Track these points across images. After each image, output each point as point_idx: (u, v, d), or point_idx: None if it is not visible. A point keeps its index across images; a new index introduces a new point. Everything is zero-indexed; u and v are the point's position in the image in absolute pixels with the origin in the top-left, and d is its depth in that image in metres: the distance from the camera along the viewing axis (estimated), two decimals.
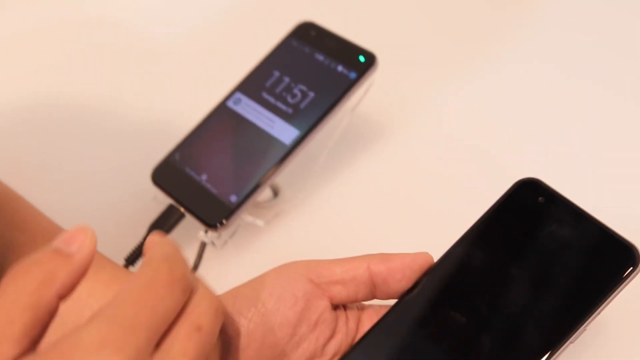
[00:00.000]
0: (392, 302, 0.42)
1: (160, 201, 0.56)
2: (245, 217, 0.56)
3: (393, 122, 0.64)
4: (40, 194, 0.57)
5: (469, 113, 0.65)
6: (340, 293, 0.41)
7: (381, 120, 0.64)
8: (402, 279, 0.41)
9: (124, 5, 0.78)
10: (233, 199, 0.54)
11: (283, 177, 0.57)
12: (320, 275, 0.41)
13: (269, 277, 0.41)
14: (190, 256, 0.55)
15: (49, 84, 0.71)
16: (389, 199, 0.59)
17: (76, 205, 0.60)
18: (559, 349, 0.37)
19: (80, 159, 0.64)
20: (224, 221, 0.53)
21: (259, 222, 0.57)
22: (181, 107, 0.67)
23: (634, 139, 0.61)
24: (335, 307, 0.42)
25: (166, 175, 0.56)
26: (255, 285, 0.41)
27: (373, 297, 0.42)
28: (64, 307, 0.39)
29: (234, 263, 0.57)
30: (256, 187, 0.54)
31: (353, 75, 0.56)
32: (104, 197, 0.61)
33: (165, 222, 0.55)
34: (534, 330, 0.38)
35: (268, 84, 0.58)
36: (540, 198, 0.41)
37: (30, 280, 0.30)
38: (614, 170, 0.59)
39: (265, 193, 0.58)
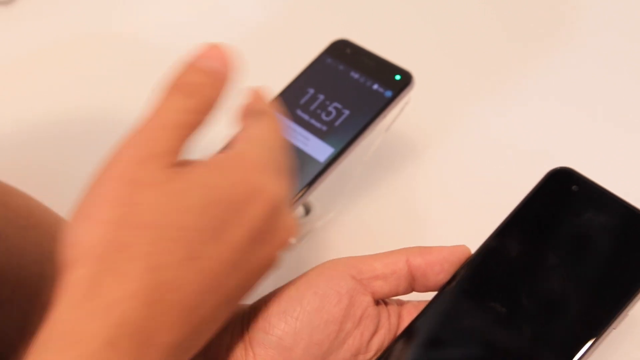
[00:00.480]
0: (431, 295, 0.41)
1: None
2: None
3: (427, 140, 0.63)
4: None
5: (505, 131, 0.64)
6: (382, 288, 0.41)
7: (415, 139, 0.64)
8: (441, 272, 0.41)
9: (149, 20, 0.78)
10: None
11: (315, 194, 0.56)
12: (361, 272, 0.41)
13: (311, 276, 0.41)
14: None
15: (68, 102, 0.70)
16: (422, 219, 0.59)
17: None
18: (601, 336, 0.37)
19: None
20: None
21: (291, 240, 0.56)
22: (215, 125, 0.66)
23: None
24: (377, 302, 0.42)
25: None
26: (299, 285, 0.41)
27: (412, 290, 0.42)
28: None
29: (266, 280, 0.55)
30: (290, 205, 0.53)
31: (389, 93, 0.56)
32: None
33: None
34: (575, 319, 0.38)
35: (302, 101, 0.58)
36: (574, 187, 0.41)
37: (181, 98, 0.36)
38: None
39: (298, 211, 0.58)
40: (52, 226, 0.51)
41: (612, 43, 0.69)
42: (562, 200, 0.41)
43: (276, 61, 0.72)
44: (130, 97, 0.68)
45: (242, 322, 0.43)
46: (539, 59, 0.69)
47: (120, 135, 0.64)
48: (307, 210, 0.60)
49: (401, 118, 0.57)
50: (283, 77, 0.60)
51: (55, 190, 0.60)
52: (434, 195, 0.60)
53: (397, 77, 0.56)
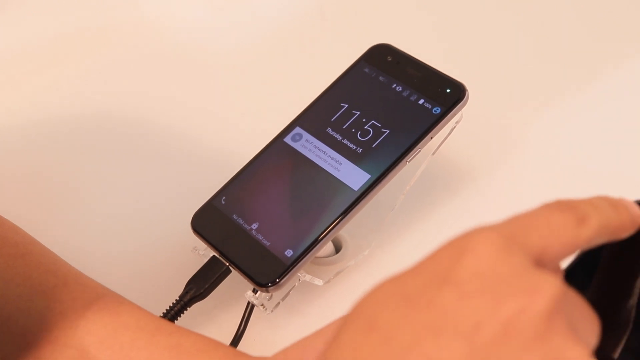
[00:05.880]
0: None
1: (202, 253, 0.49)
2: (302, 275, 0.48)
3: (481, 165, 0.57)
4: (63, 239, 0.52)
5: (571, 149, 0.59)
6: None
7: (467, 164, 0.57)
8: None
9: (164, 14, 0.73)
10: (289, 254, 0.46)
11: (348, 228, 0.50)
12: None
13: (338, 325, 0.36)
14: (236, 318, 0.48)
15: (81, 103, 0.65)
16: None
17: (103, 252, 0.53)
18: None
19: (111, 197, 0.58)
20: (277, 280, 0.46)
21: (318, 282, 0.49)
22: (231, 139, 0.60)
23: None
24: None
25: (209, 222, 0.49)
26: (324, 335, 0.39)
27: None
28: (104, 356, 0.41)
29: (287, 328, 0.50)
30: (317, 241, 0.47)
31: (437, 110, 0.49)
32: (137, 245, 0.54)
33: (206, 278, 0.48)
34: None
35: (334, 118, 0.51)
36: None
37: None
38: None
39: (327, 247, 0.51)
40: (41, 256, 0.47)
41: None
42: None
43: (303, 68, 0.67)
44: (152, 96, 0.66)
45: None
46: (606, 65, 0.64)
47: (147, 141, 0.63)
48: (338, 247, 0.53)
49: (451, 139, 0.51)
50: (312, 88, 0.54)
51: (50, 192, 0.58)
52: None
53: (448, 90, 0.50)
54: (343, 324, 0.30)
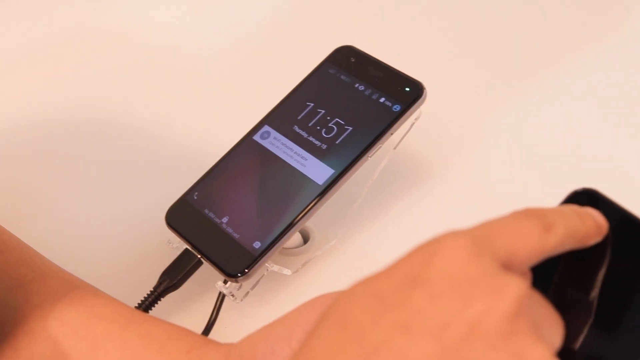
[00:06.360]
0: None
1: (176, 246, 0.51)
2: (270, 265, 0.50)
3: (440, 159, 0.58)
4: (42, 234, 0.53)
5: (526, 146, 0.59)
6: None
7: (427, 158, 0.59)
8: None
9: (146, 20, 0.73)
10: (257, 245, 0.48)
11: (314, 220, 0.51)
12: None
13: (300, 313, 0.39)
14: (208, 307, 0.49)
15: (57, 106, 0.66)
16: None
17: (80, 246, 0.54)
18: None
19: (87, 194, 0.59)
20: (246, 270, 0.47)
21: (286, 272, 0.51)
22: (204, 138, 0.61)
23: None
24: None
25: (182, 216, 0.51)
26: (288, 322, 0.39)
27: None
28: (77, 346, 0.41)
29: (257, 316, 0.51)
30: (284, 233, 0.48)
31: (397, 107, 0.50)
32: (114, 240, 0.55)
33: (179, 270, 0.49)
34: None
35: (300, 116, 0.53)
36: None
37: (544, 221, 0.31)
38: None
39: (295, 239, 0.53)
40: (19, 252, 0.48)
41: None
42: None
43: (273, 69, 0.67)
44: (127, 98, 0.67)
45: None
46: (563, 68, 0.65)
47: (121, 139, 0.63)
48: (305, 238, 0.55)
49: (411, 135, 0.52)
50: (281, 89, 0.55)
51: (28, 190, 0.59)
52: (447, 221, 0.54)
53: (407, 88, 0.51)
54: (318, 322, 0.30)
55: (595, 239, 0.34)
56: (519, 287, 0.28)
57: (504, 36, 0.69)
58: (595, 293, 0.35)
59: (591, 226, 0.34)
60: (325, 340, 0.29)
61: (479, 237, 0.30)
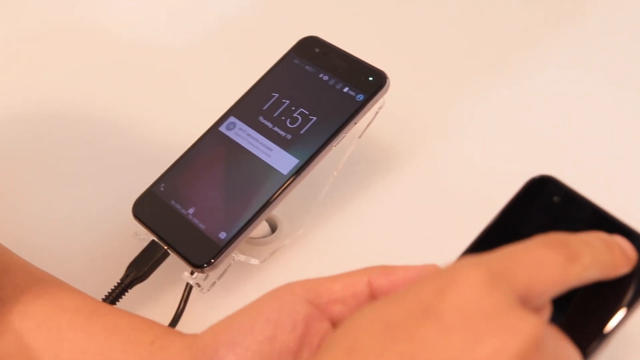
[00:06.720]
0: None
1: (143, 237, 0.51)
2: (236, 255, 0.50)
3: (405, 147, 0.58)
4: (9, 228, 0.53)
5: (486, 135, 0.60)
6: (342, 312, 0.38)
7: (392, 146, 0.59)
8: None
9: (120, 15, 0.73)
10: (222, 236, 0.48)
11: (282, 210, 0.52)
12: (319, 295, 0.38)
13: (264, 302, 0.39)
14: (177, 298, 0.50)
15: (24, 101, 0.66)
16: (400, 234, 0.54)
17: (48, 240, 0.54)
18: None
19: (53, 185, 0.59)
20: (212, 261, 0.48)
21: (254, 261, 0.51)
22: (172, 130, 0.61)
23: None
24: (336, 328, 0.38)
25: (149, 208, 0.51)
26: (251, 311, 0.39)
27: None
28: (42, 339, 0.41)
29: (226, 306, 0.49)
30: (249, 223, 0.49)
31: (360, 97, 0.51)
32: (80, 232, 0.55)
33: (146, 261, 0.49)
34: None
35: (265, 107, 0.53)
36: (555, 197, 0.37)
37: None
38: None
39: (262, 228, 0.53)
40: None
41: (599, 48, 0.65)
42: (542, 210, 0.38)
43: (241, 61, 0.67)
44: (93, 92, 0.67)
45: (190, 353, 0.40)
46: (522, 58, 0.65)
47: (88, 132, 0.64)
48: (274, 228, 0.55)
49: (375, 124, 0.53)
50: (249, 80, 0.55)
51: (6, 187, 0.59)
52: (413, 208, 0.55)
53: (371, 78, 0.51)
54: (324, 345, 0.30)
55: (622, 270, 0.33)
56: (534, 325, 0.27)
57: (468, 26, 0.69)
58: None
59: (619, 257, 0.32)
60: None
61: (498, 267, 0.29)
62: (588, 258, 0.30)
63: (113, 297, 0.49)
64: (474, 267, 0.29)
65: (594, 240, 0.32)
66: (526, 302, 0.29)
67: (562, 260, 0.30)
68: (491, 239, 0.37)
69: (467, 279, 0.28)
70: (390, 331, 0.28)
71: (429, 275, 0.30)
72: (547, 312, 0.32)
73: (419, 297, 0.29)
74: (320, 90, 0.52)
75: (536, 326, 0.27)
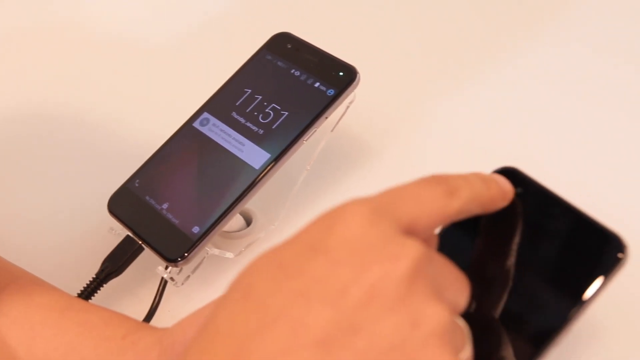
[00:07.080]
0: None
1: (118, 232, 0.52)
2: (210, 249, 0.51)
3: (377, 141, 0.59)
4: None
5: (457, 126, 0.60)
6: None
7: (363, 140, 0.59)
8: None
9: (98, 12, 0.74)
10: (195, 230, 0.49)
11: (257, 204, 0.53)
12: None
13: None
14: (151, 293, 0.50)
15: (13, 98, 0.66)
16: None
17: (24, 237, 0.55)
18: (544, 350, 0.34)
19: (29, 183, 0.59)
20: (185, 255, 0.48)
21: (229, 255, 0.52)
22: (146, 127, 0.62)
23: None
24: None
25: (124, 204, 0.52)
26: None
27: None
28: (16, 335, 0.41)
29: (201, 300, 0.49)
30: (222, 217, 0.49)
31: (331, 92, 0.51)
32: (56, 228, 0.56)
33: (120, 256, 0.50)
34: (517, 326, 0.36)
35: (238, 102, 0.53)
36: (518, 189, 0.37)
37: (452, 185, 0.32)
38: None
39: (237, 222, 0.54)
40: None
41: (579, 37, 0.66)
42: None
43: (215, 57, 0.68)
44: (66, 90, 0.67)
45: (160, 347, 0.41)
46: (494, 52, 0.66)
47: (64, 130, 0.63)
48: (249, 221, 0.55)
49: (347, 118, 0.53)
50: (223, 75, 0.55)
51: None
52: None
53: (341, 73, 0.52)
54: (223, 294, 0.30)
55: (500, 204, 0.35)
56: (416, 250, 0.29)
57: (440, 20, 0.69)
58: (511, 261, 0.36)
59: (495, 191, 0.34)
60: (229, 310, 0.29)
61: (381, 203, 0.30)
62: (466, 192, 0.32)
63: (88, 292, 0.49)
64: (359, 204, 0.30)
65: (472, 177, 0.33)
66: (411, 234, 0.30)
67: (441, 195, 0.31)
68: (453, 233, 0.37)
69: (352, 214, 0.29)
70: (283, 270, 0.29)
71: (316, 217, 0.31)
72: (433, 243, 0.34)
73: (308, 236, 0.30)
74: (291, 86, 0.53)
75: (419, 250, 0.29)
